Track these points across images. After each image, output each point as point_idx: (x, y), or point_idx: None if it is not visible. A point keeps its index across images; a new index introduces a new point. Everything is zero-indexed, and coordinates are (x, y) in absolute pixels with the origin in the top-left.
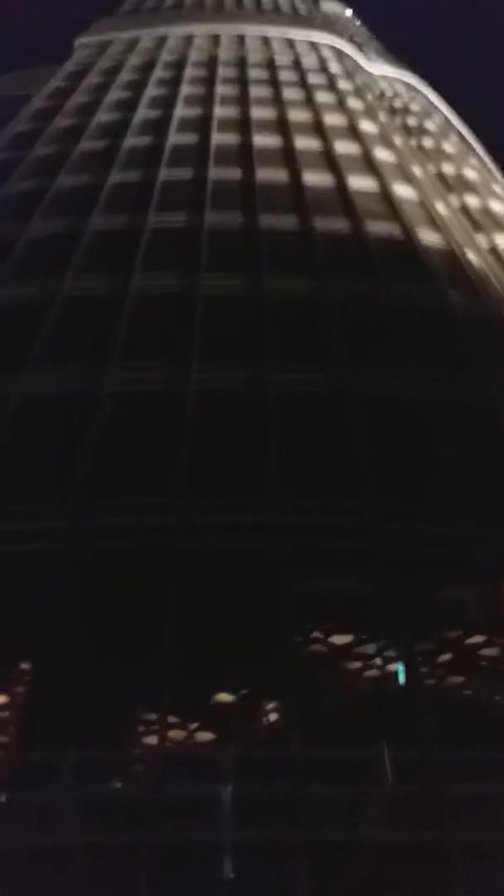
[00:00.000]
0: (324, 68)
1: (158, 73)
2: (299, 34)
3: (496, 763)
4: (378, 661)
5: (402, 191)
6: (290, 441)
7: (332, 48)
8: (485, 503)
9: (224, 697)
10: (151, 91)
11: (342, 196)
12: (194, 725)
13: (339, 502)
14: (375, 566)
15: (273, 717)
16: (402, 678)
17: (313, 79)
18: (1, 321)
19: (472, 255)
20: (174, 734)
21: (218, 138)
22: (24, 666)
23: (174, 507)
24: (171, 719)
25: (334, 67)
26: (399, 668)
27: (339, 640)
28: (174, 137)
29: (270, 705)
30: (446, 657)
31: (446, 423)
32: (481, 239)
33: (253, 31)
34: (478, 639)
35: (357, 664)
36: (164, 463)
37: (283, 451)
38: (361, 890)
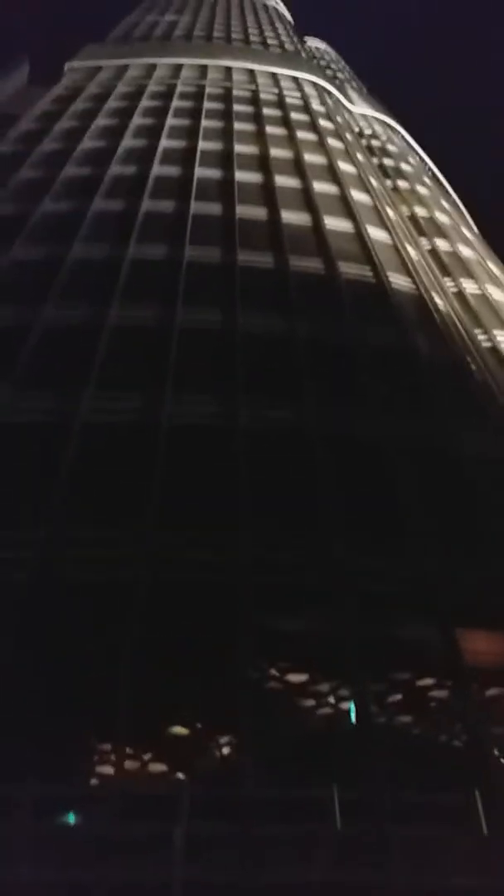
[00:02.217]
0: (306, 106)
1: (145, 102)
2: (284, 71)
3: (440, 806)
4: (331, 699)
5: (376, 233)
6: (259, 476)
7: (315, 85)
8: (446, 544)
9: (179, 731)
10: (138, 120)
11: (318, 236)
12: (149, 758)
13: (304, 539)
14: (336, 604)
15: (226, 752)
16: (353, 717)
17: (295, 116)
18: None
19: (438, 300)
20: (129, 767)
21: (201, 172)
22: None
23: (142, 539)
24: (127, 752)
25: (316, 105)
26: (351, 707)
27: (295, 677)
28: (158, 168)
29: (224, 740)
30: (397, 697)
31: (410, 465)
32: (449, 283)
33: (239, 65)
34: (429, 680)
35: (311, 702)
36: (133, 495)
37: (251, 487)
38: None
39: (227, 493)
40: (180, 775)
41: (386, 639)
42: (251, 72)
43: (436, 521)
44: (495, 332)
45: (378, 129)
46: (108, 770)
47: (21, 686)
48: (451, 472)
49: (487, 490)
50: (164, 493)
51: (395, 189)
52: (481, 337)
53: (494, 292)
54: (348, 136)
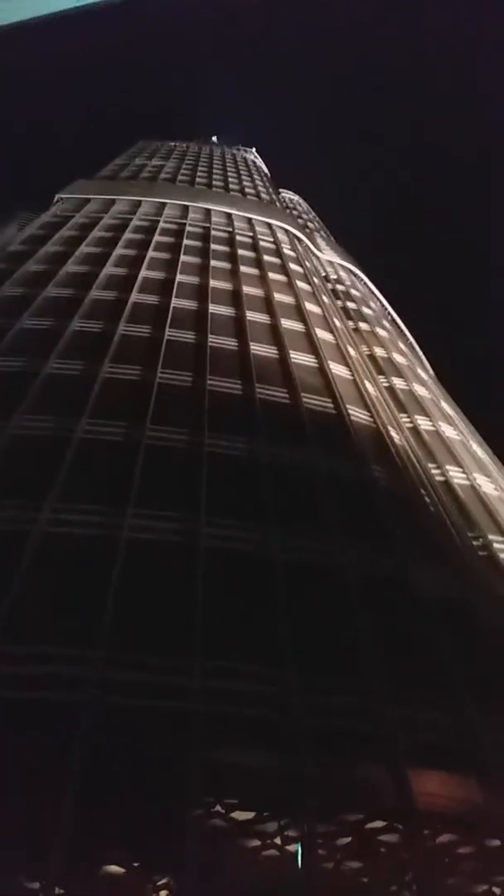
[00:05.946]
0: (278, 250)
1: (129, 234)
2: (259, 217)
3: None
4: (277, 840)
5: (337, 368)
6: (216, 599)
7: (287, 232)
8: (401, 679)
9: (115, 869)
10: (120, 250)
11: (284, 368)
12: None
13: (258, 669)
14: (287, 740)
15: (163, 894)
16: (300, 860)
17: (267, 258)
18: None
19: (395, 434)
20: None
21: (176, 302)
22: None
23: (90, 659)
24: (58, 892)
25: (287, 250)
26: (298, 849)
27: (241, 815)
28: (136, 296)
29: (161, 882)
30: (346, 840)
31: (366, 597)
32: (405, 419)
33: (218, 208)
34: (378, 823)
35: (256, 842)
36: (86, 612)
37: (207, 610)
38: None
39: (182, 616)
40: None
41: (337, 777)
42: (229, 215)
43: (391, 658)
44: (448, 467)
45: (343, 274)
46: None
47: None
48: (407, 608)
49: (442, 627)
50: (117, 611)
51: (357, 330)
52: (435, 471)
53: (447, 430)
54: (315, 279)
